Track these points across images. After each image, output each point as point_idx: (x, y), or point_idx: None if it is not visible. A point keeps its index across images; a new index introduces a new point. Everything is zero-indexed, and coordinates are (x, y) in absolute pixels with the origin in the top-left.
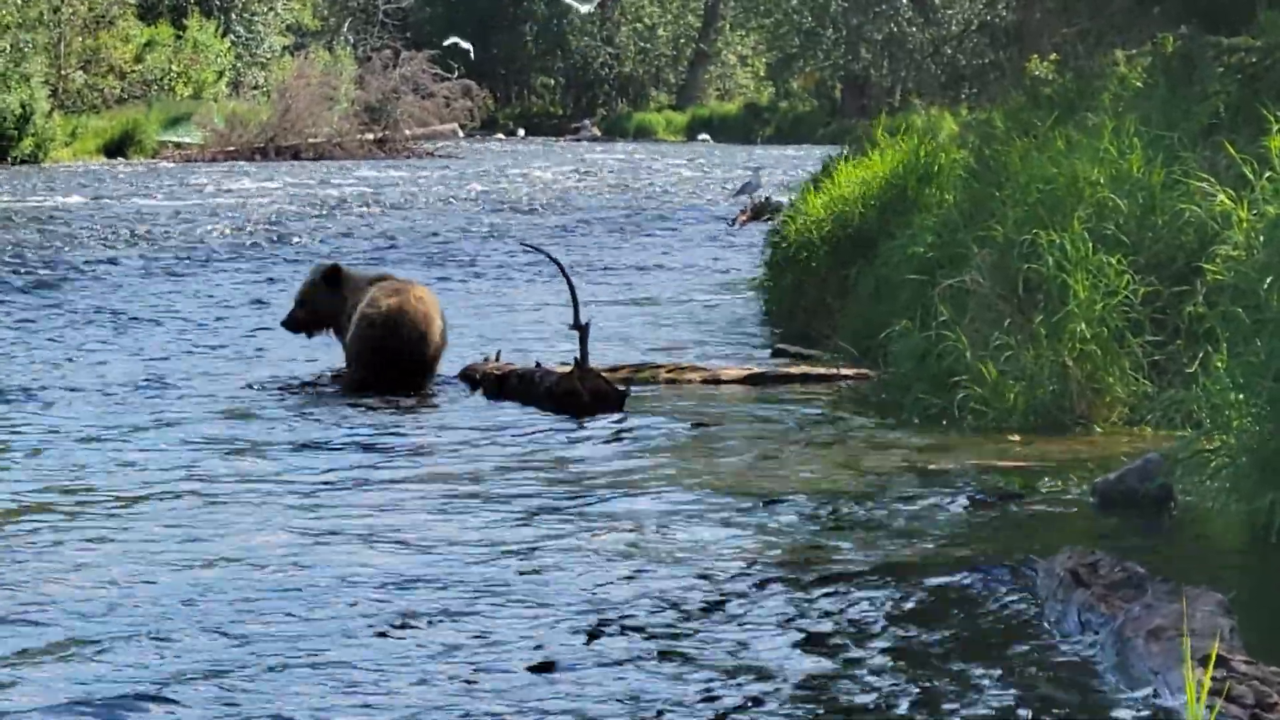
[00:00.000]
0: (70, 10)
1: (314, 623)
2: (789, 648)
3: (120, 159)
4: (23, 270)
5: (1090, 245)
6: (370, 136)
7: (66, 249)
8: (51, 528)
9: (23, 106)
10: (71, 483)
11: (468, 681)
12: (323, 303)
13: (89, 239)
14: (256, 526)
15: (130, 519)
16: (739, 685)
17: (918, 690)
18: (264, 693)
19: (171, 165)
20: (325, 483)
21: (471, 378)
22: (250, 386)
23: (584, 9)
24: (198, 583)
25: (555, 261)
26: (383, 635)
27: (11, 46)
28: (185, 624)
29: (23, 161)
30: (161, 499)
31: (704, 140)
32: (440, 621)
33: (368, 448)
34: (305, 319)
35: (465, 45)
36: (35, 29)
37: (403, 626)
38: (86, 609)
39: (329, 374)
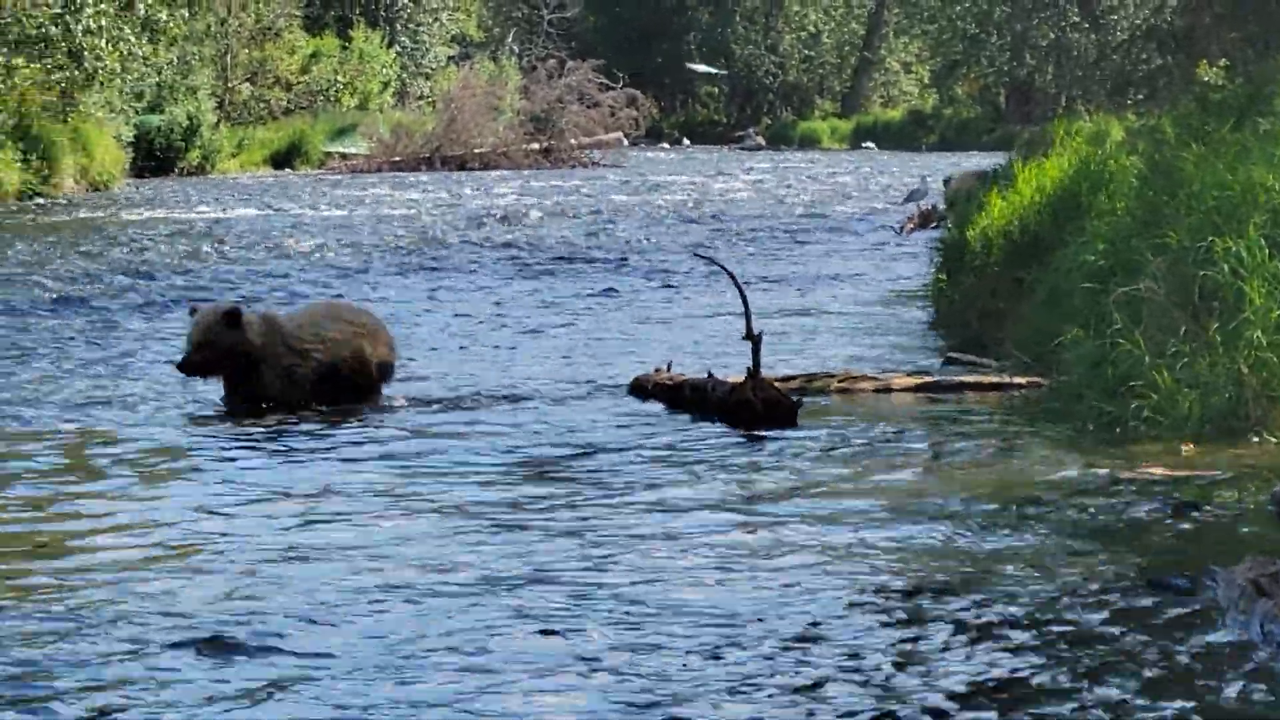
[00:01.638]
0: (237, 22)
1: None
2: (965, 658)
3: (287, 170)
4: (186, 281)
5: (1267, 252)
6: (535, 146)
7: (232, 260)
8: (230, 534)
9: (190, 118)
10: (247, 494)
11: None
12: (225, 344)
13: (254, 250)
14: (442, 543)
15: (302, 532)
16: (911, 695)
17: (1096, 701)
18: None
19: (337, 176)
20: (515, 498)
21: (643, 388)
22: (414, 398)
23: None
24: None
25: (728, 271)
26: (551, 636)
27: (179, 59)
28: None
29: (190, 173)
30: (338, 514)
31: (869, 148)
32: (624, 638)
33: (546, 461)
34: (203, 361)
35: (707, 69)
36: (202, 41)
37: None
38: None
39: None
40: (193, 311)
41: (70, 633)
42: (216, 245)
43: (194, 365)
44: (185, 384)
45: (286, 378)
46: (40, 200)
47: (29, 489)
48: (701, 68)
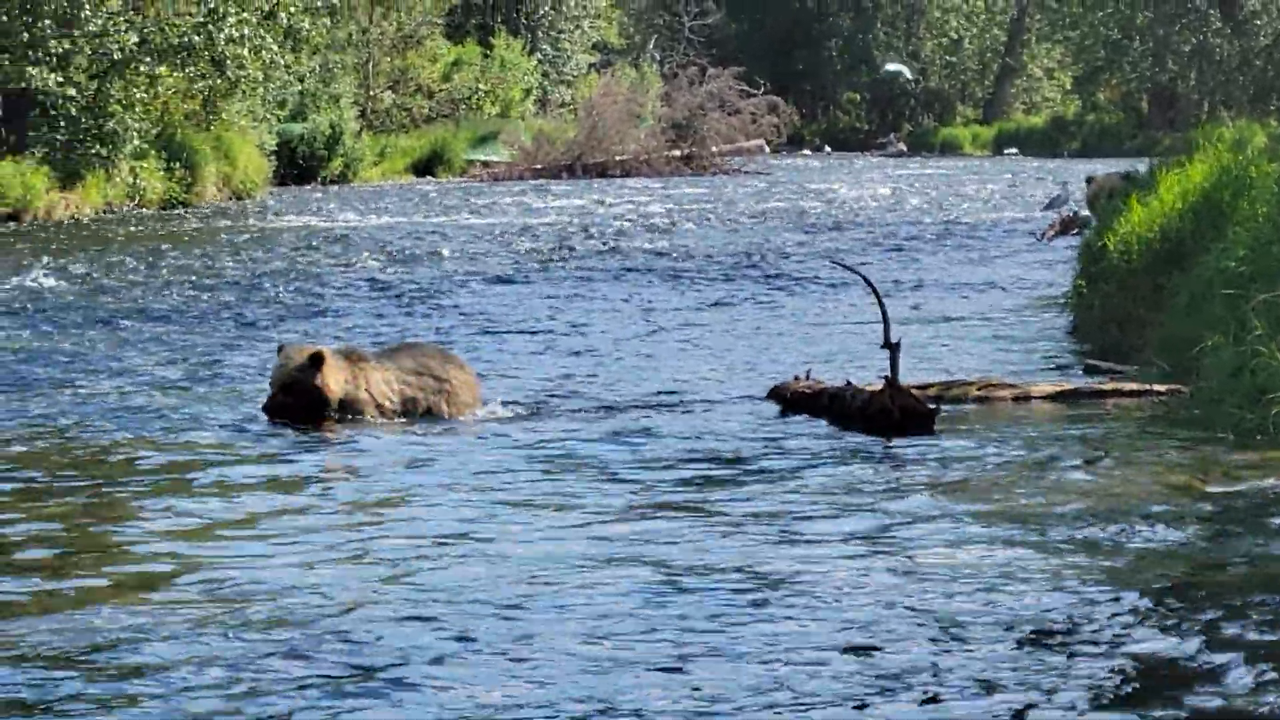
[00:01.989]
0: (379, 31)
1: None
2: (1112, 667)
3: (428, 178)
4: (325, 290)
5: None
6: (676, 153)
7: (370, 269)
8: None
9: (332, 127)
10: (404, 503)
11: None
12: (308, 388)
13: (393, 259)
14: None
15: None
16: (1068, 707)
17: (1236, 706)
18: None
19: (479, 184)
20: (665, 503)
21: (782, 396)
22: (557, 404)
23: (896, 69)
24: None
25: (865, 279)
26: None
27: (321, 67)
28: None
29: (332, 181)
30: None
31: (1011, 154)
32: (795, 646)
33: (691, 467)
34: (287, 405)
35: (900, 68)
36: (344, 50)
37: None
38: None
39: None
40: (280, 349)
41: (272, 652)
42: (356, 254)
43: (278, 408)
44: None
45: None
46: (183, 209)
47: (188, 501)
48: (895, 67)
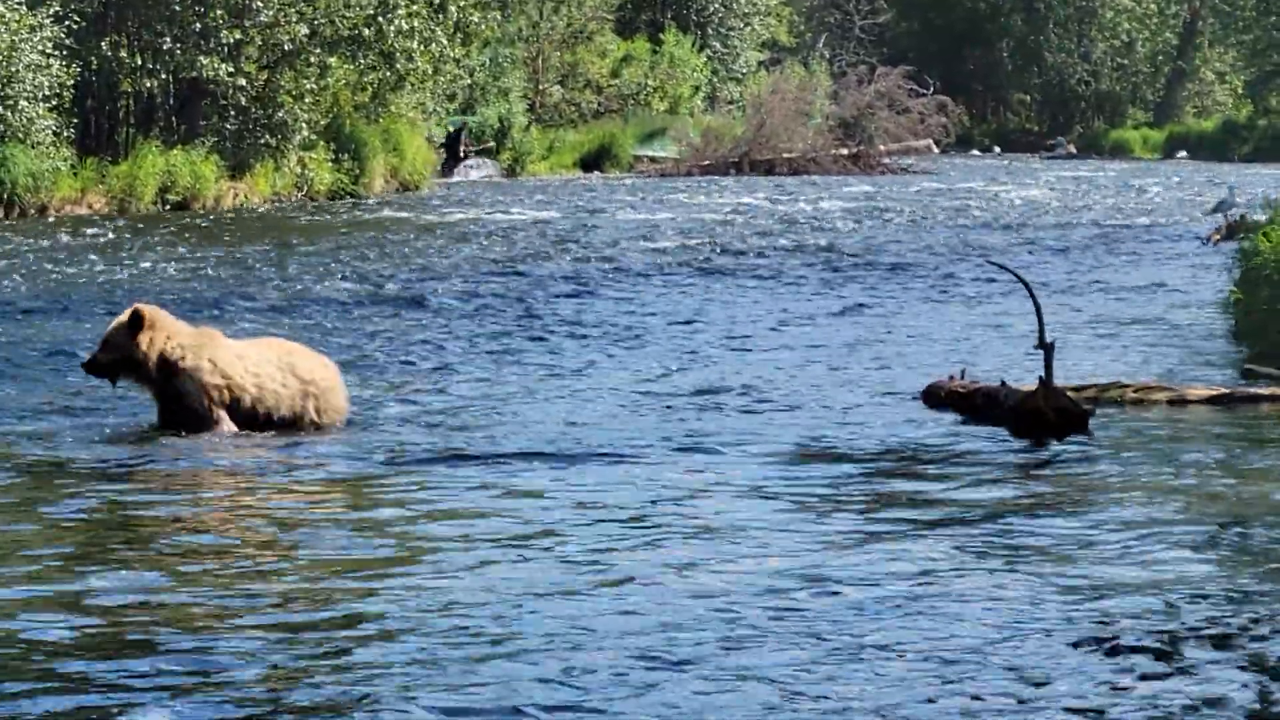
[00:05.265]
0: (549, 25)
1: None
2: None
3: (595, 173)
4: (477, 283)
5: None
6: (845, 152)
7: (522, 261)
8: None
9: (501, 120)
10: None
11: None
12: (123, 347)
13: (547, 251)
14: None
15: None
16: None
17: None
18: None
19: (646, 179)
20: (821, 500)
21: (936, 395)
22: (719, 401)
23: None
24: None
25: (1021, 279)
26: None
27: (491, 61)
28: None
29: (501, 174)
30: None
31: (1181, 158)
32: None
33: (848, 464)
34: (107, 363)
35: None
36: (514, 44)
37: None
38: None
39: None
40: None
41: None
42: (518, 245)
43: (95, 365)
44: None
45: (200, 402)
46: (350, 199)
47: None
48: None
